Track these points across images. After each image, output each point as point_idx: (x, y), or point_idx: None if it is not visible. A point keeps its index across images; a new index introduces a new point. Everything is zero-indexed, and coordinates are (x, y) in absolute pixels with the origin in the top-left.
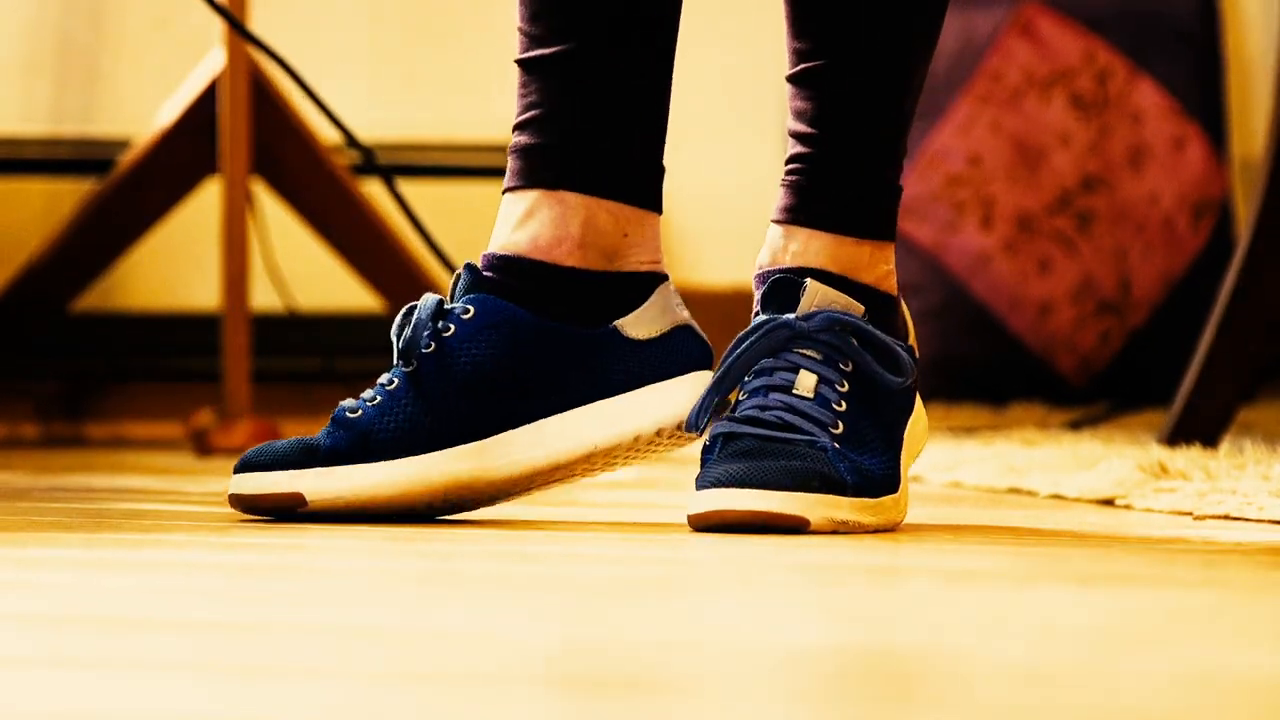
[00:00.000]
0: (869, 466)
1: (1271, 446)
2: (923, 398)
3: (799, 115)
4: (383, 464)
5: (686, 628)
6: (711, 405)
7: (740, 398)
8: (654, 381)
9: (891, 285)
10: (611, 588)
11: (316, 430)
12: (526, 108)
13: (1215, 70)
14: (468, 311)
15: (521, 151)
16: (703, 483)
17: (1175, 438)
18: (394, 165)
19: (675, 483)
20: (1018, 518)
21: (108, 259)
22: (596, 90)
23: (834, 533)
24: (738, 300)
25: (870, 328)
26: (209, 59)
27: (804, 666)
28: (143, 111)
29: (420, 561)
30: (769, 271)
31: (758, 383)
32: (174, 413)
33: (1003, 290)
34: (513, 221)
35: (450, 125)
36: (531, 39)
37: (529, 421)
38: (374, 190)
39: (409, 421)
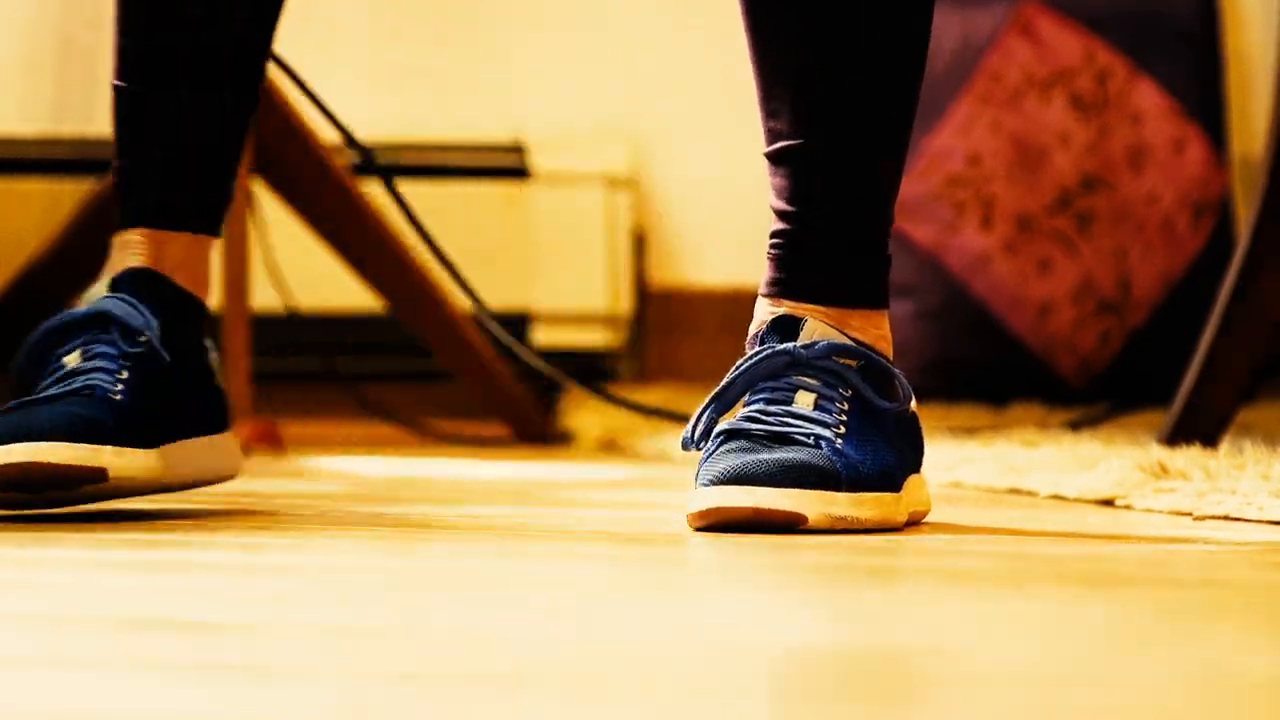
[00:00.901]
0: (867, 463)
1: (1271, 446)
2: (922, 398)
3: (779, 192)
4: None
5: (686, 628)
6: (710, 425)
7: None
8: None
9: (886, 350)
10: (611, 588)
11: (318, 430)
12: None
13: (1215, 70)
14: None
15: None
16: (700, 482)
17: (1175, 438)
18: (393, 165)
19: (674, 483)
20: (1018, 518)
21: (108, 259)
22: (152, 128)
23: (832, 530)
24: (737, 301)
25: (871, 353)
26: None
27: (804, 666)
28: None
29: (420, 561)
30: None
31: (756, 398)
32: None
33: (1002, 290)
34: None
35: (450, 125)
36: (120, 70)
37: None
38: (373, 190)
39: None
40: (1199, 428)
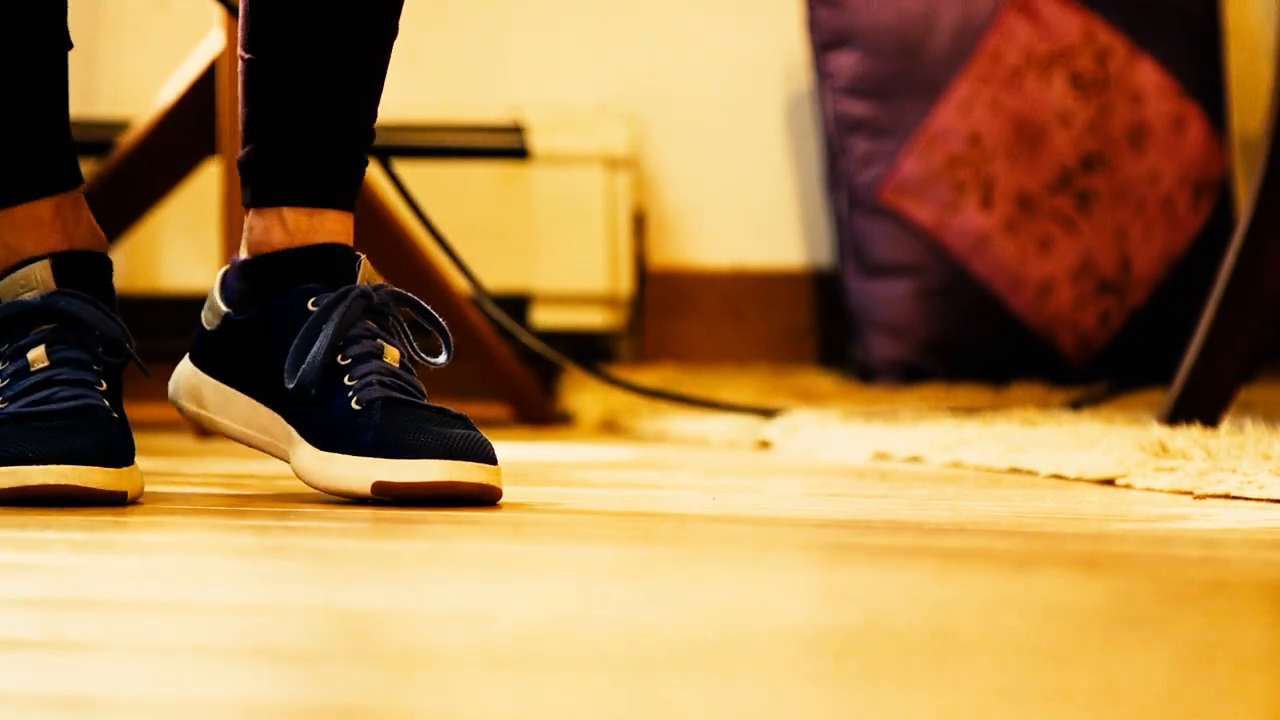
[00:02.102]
0: None
1: (1272, 425)
2: (923, 378)
3: (241, 103)
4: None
5: (686, 607)
6: (325, 366)
7: (344, 363)
8: None
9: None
10: (612, 568)
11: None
12: None
13: (1215, 49)
14: None
15: None
16: (413, 450)
17: (1176, 417)
18: (391, 146)
19: (675, 463)
20: (1018, 497)
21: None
22: None
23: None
24: (738, 281)
25: (423, 303)
26: (208, 40)
27: (804, 646)
28: (142, 93)
29: (419, 542)
30: (295, 249)
31: (359, 350)
32: None
33: (1003, 270)
34: None
35: (448, 105)
36: None
37: None
38: (371, 171)
39: None
40: (1199, 407)
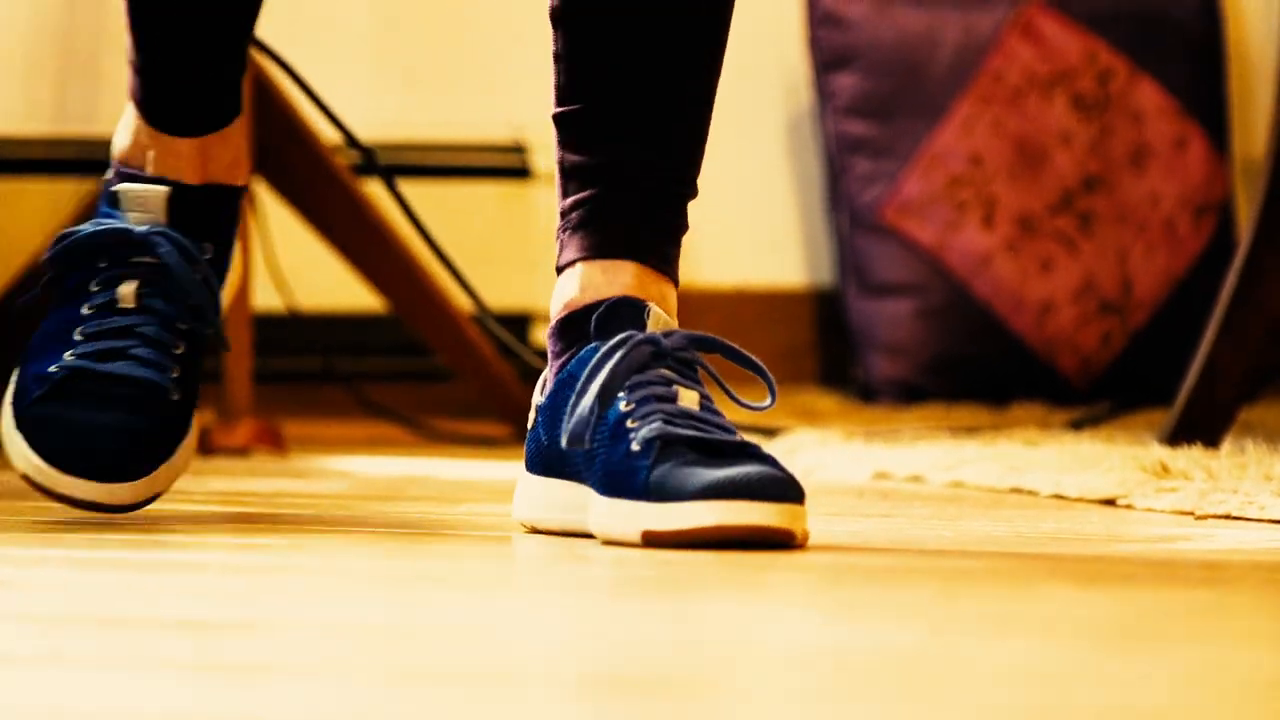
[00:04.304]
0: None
1: (1273, 446)
2: (923, 398)
3: (569, 161)
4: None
5: (687, 627)
6: (593, 420)
7: (628, 408)
8: None
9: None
10: (612, 587)
11: (319, 429)
12: None
13: (1216, 70)
14: None
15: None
16: (683, 493)
17: (1177, 437)
18: (394, 165)
19: None
20: (1019, 517)
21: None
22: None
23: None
24: (739, 300)
25: (733, 345)
26: None
27: (804, 666)
28: None
29: (421, 561)
30: (581, 308)
31: (643, 394)
32: None
33: (1004, 290)
34: None
35: (451, 125)
36: None
37: None
38: (374, 190)
39: None
40: (1200, 427)
